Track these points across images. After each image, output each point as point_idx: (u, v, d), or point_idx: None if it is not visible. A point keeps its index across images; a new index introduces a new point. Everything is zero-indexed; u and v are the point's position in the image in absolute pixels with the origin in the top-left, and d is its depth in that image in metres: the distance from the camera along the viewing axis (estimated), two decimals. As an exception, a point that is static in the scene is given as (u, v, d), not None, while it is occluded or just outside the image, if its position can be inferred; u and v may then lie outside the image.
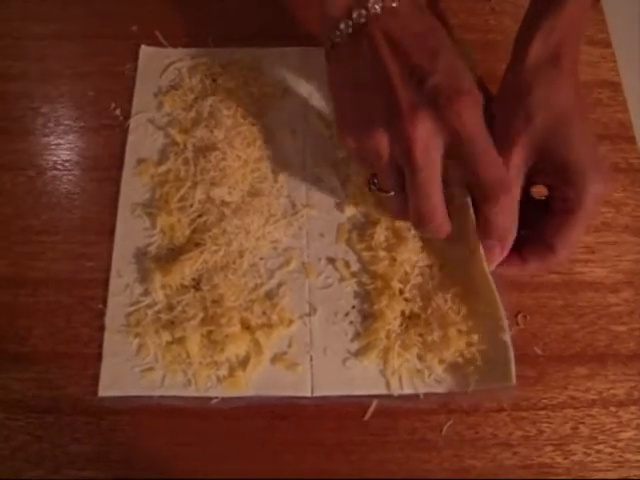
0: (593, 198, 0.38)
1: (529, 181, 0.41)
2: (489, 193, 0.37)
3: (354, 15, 0.38)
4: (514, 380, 0.39)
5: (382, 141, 0.37)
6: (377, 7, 0.38)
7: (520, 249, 0.40)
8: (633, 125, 0.50)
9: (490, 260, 0.39)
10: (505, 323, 0.40)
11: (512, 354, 0.40)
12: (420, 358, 0.41)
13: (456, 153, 0.36)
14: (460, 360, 0.41)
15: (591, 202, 0.38)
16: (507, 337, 0.40)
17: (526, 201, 0.40)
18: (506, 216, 0.38)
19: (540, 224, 0.40)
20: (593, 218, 0.45)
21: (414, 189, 0.37)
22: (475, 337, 0.40)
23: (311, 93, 0.50)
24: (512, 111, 0.40)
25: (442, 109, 0.35)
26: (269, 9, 0.54)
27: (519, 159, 0.40)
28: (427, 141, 0.36)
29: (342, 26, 0.38)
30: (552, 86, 0.40)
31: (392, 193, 0.39)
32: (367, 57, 0.38)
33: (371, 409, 0.40)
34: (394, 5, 0.38)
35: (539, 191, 0.42)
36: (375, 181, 0.41)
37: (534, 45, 0.42)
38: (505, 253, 0.40)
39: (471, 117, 0.36)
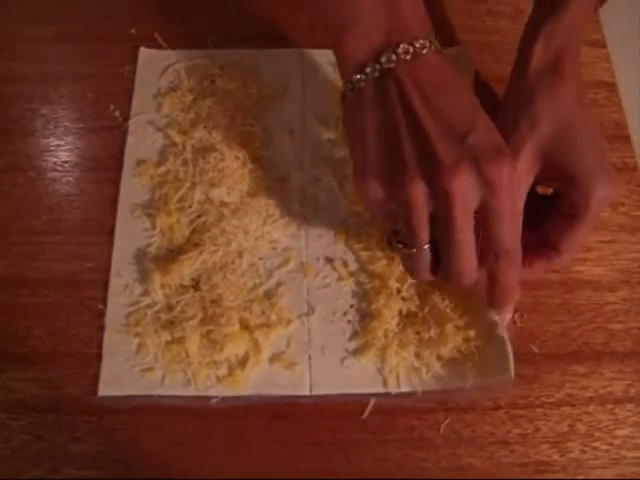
0: (600, 202, 0.38)
1: (535, 184, 0.41)
2: (499, 253, 0.36)
3: (383, 59, 0.36)
4: (512, 374, 0.40)
5: (419, 192, 0.34)
6: (408, 53, 0.36)
7: (525, 251, 0.38)
8: (628, 125, 0.50)
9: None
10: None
11: (510, 348, 0.40)
12: (417, 356, 0.41)
13: (483, 210, 0.35)
14: (458, 356, 0.41)
15: (598, 206, 0.38)
16: (503, 331, 0.40)
17: (531, 199, 0.40)
18: (508, 276, 0.37)
19: (545, 224, 0.40)
20: (598, 221, 0.45)
21: (451, 246, 0.35)
22: (472, 333, 0.41)
23: (309, 94, 0.50)
24: (517, 118, 0.40)
25: (483, 166, 0.34)
26: (268, 11, 0.54)
27: (526, 166, 0.40)
28: (466, 197, 0.34)
29: (368, 70, 0.37)
30: (554, 92, 0.40)
31: (414, 250, 0.36)
32: (396, 105, 0.36)
33: (369, 407, 0.40)
34: (424, 52, 0.36)
35: (543, 189, 0.42)
36: (396, 237, 0.38)
37: (536, 50, 0.42)
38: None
39: (510, 177, 0.35)
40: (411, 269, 0.38)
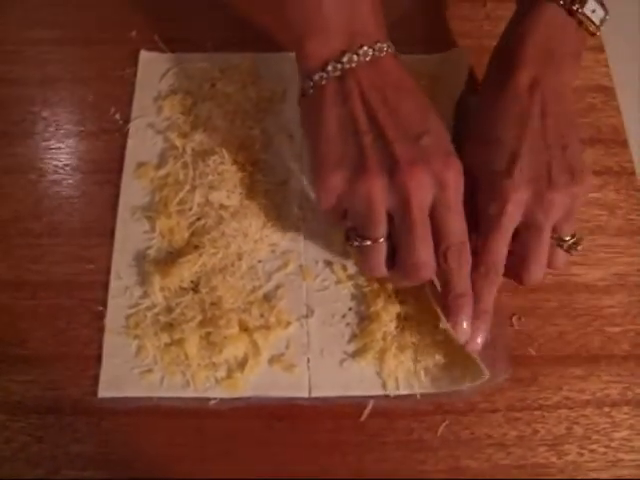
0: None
1: None
2: (450, 245, 0.38)
3: (344, 59, 0.38)
4: (486, 373, 0.39)
5: (379, 186, 0.36)
6: (368, 55, 0.38)
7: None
8: (626, 129, 0.51)
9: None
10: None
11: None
12: (416, 359, 0.41)
13: (435, 207, 0.38)
14: (454, 360, 0.41)
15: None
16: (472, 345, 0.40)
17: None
18: (461, 274, 0.38)
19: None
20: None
21: (409, 238, 0.37)
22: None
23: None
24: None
25: (436, 167, 0.37)
26: (267, 14, 0.54)
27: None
28: (422, 193, 0.37)
29: (330, 68, 0.38)
30: (496, 107, 0.42)
31: (371, 243, 0.38)
32: (357, 103, 0.38)
33: (367, 410, 0.41)
34: (383, 55, 0.39)
35: None
36: (352, 233, 0.39)
37: (492, 62, 0.45)
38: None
39: (457, 178, 0.38)
40: (366, 264, 0.39)
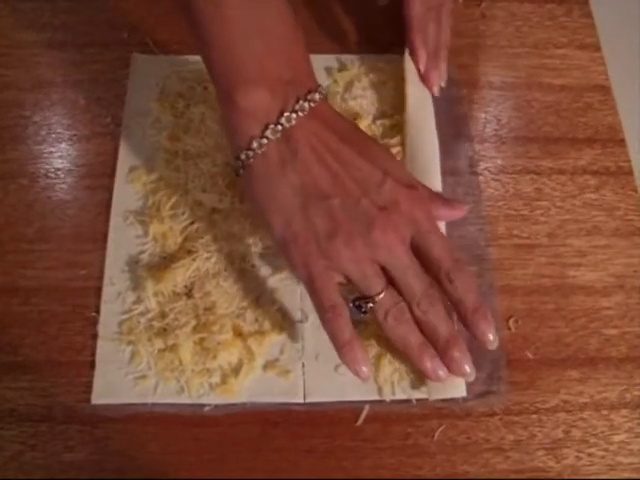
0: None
1: None
2: (449, 268, 0.38)
3: (283, 120, 0.36)
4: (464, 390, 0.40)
5: (362, 249, 0.37)
6: (304, 110, 0.37)
7: None
8: (623, 128, 0.50)
9: None
10: None
11: None
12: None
13: (416, 241, 0.39)
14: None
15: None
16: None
17: None
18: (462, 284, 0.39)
19: None
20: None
21: (403, 279, 0.38)
22: None
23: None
24: None
25: (406, 207, 0.38)
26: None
27: None
28: (402, 238, 0.38)
29: (269, 133, 0.36)
30: None
31: (382, 295, 0.38)
32: (312, 165, 0.37)
33: (363, 415, 0.40)
34: (316, 104, 0.37)
35: None
36: (357, 302, 0.39)
37: None
38: None
39: (426, 208, 0.39)
40: (382, 317, 0.38)
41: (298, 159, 0.37)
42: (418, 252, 0.38)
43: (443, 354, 0.38)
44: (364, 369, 0.37)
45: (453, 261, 0.38)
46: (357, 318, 0.39)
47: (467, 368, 0.38)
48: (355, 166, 0.38)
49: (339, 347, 0.37)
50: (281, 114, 0.36)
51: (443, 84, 0.48)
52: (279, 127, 0.36)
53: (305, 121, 0.37)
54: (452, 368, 0.38)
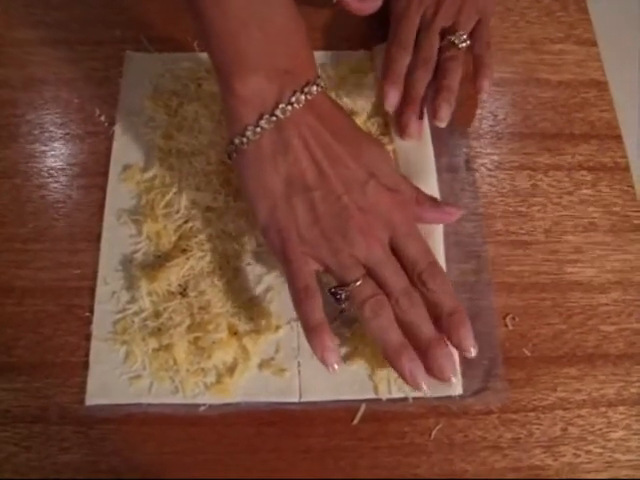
0: None
1: None
2: (423, 269, 0.38)
3: (278, 112, 0.37)
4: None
5: (343, 245, 0.37)
6: (300, 102, 0.37)
7: None
8: (620, 124, 0.50)
9: None
10: None
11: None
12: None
13: (394, 241, 0.39)
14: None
15: None
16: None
17: None
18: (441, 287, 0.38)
19: None
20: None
21: (384, 278, 0.38)
22: None
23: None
24: None
25: (384, 209, 0.38)
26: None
27: None
28: (381, 241, 0.38)
29: (263, 122, 0.37)
30: None
31: (359, 283, 0.37)
32: (301, 156, 0.38)
33: (359, 413, 0.40)
34: (314, 96, 0.38)
35: None
36: (333, 289, 0.38)
37: None
38: None
39: (407, 211, 0.39)
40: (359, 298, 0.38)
41: (289, 151, 0.37)
42: (396, 255, 0.38)
43: (424, 355, 0.37)
44: (331, 358, 0.36)
45: (428, 264, 0.38)
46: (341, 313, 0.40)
47: (449, 372, 0.37)
48: (342, 164, 0.38)
49: (307, 330, 0.36)
50: (277, 105, 0.37)
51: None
52: (274, 118, 0.37)
53: (300, 113, 0.37)
54: (433, 370, 0.37)
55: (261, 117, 0.37)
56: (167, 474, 0.39)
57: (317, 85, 0.38)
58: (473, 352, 0.37)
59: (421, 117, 0.47)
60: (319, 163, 0.38)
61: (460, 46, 0.47)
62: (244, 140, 0.38)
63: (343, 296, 0.38)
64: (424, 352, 0.37)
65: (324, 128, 0.38)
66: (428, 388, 0.37)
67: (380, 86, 0.48)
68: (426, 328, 0.37)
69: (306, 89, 0.38)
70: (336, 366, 0.36)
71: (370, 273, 0.38)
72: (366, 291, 0.37)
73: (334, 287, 0.38)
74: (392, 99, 0.46)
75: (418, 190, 0.41)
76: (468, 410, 0.40)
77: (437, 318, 0.38)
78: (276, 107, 0.37)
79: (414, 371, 0.36)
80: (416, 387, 0.37)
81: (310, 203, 0.38)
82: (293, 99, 0.37)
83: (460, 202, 0.46)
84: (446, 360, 0.37)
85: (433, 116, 0.45)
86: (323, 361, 0.36)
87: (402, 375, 0.37)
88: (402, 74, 0.47)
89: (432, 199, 0.41)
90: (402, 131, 0.46)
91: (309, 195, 0.38)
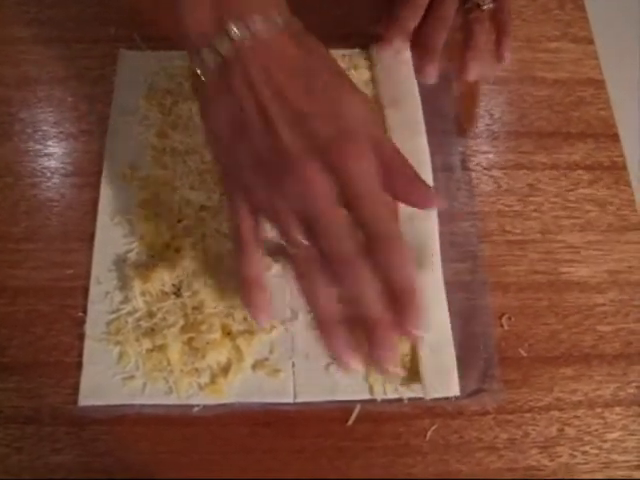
0: None
1: None
2: (374, 238, 0.32)
3: (217, 45, 0.33)
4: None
5: (279, 198, 0.33)
6: (246, 38, 0.33)
7: None
8: (617, 123, 0.50)
9: None
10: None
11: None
12: (403, 363, 0.40)
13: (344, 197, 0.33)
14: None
15: None
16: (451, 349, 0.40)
17: None
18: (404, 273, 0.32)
19: None
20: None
21: (325, 239, 0.32)
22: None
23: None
24: None
25: (329, 156, 0.32)
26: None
27: None
28: (326, 196, 0.32)
29: (205, 56, 0.34)
30: None
31: (297, 236, 0.33)
32: (242, 93, 0.34)
33: (354, 414, 0.40)
34: (269, 34, 0.34)
35: None
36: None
37: None
38: None
39: (370, 174, 0.33)
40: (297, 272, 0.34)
41: (231, 92, 0.34)
42: (350, 210, 0.33)
43: (367, 336, 0.32)
44: (260, 316, 0.34)
45: (380, 231, 0.32)
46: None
47: (389, 363, 0.31)
48: (289, 98, 0.33)
49: (240, 285, 0.34)
50: (214, 36, 0.34)
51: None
52: (212, 55, 0.34)
53: (251, 53, 0.33)
54: (373, 354, 0.31)
55: (201, 50, 0.34)
56: (161, 474, 0.39)
57: (270, 21, 0.34)
58: (419, 340, 0.35)
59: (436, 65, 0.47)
60: (266, 109, 0.33)
61: (484, 8, 0.47)
62: (198, 72, 0.35)
63: (272, 245, 0.35)
64: (367, 335, 0.32)
65: (280, 70, 0.34)
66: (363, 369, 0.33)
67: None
68: (370, 307, 0.32)
69: (252, 23, 0.33)
70: (265, 324, 0.34)
71: (312, 232, 0.33)
72: (299, 248, 0.33)
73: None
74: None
75: (398, 154, 0.35)
76: (464, 411, 0.40)
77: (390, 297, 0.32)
78: (214, 38, 0.33)
79: (343, 349, 0.32)
80: (345, 369, 0.33)
81: (251, 150, 0.34)
82: (232, 33, 0.33)
83: (456, 201, 0.46)
84: (385, 350, 0.31)
85: (462, 71, 0.45)
86: (254, 317, 0.34)
87: (331, 349, 0.33)
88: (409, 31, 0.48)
89: (411, 170, 0.35)
90: (419, 70, 0.48)
91: (251, 143, 0.34)
